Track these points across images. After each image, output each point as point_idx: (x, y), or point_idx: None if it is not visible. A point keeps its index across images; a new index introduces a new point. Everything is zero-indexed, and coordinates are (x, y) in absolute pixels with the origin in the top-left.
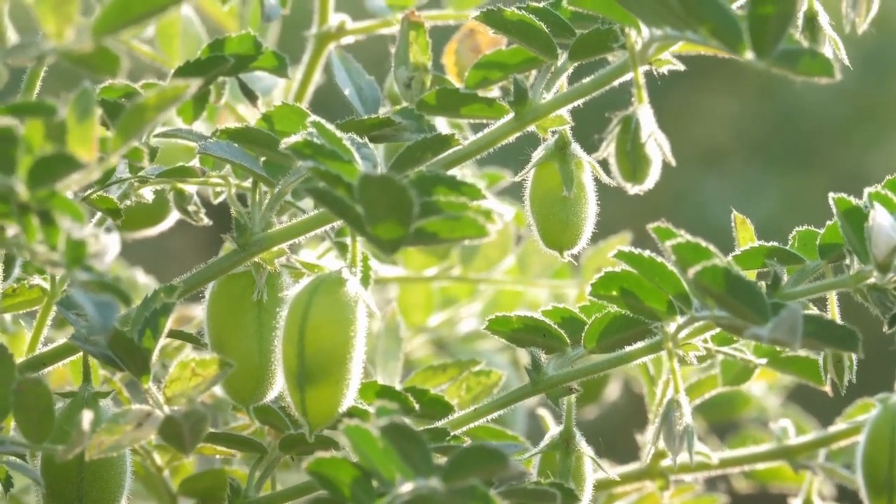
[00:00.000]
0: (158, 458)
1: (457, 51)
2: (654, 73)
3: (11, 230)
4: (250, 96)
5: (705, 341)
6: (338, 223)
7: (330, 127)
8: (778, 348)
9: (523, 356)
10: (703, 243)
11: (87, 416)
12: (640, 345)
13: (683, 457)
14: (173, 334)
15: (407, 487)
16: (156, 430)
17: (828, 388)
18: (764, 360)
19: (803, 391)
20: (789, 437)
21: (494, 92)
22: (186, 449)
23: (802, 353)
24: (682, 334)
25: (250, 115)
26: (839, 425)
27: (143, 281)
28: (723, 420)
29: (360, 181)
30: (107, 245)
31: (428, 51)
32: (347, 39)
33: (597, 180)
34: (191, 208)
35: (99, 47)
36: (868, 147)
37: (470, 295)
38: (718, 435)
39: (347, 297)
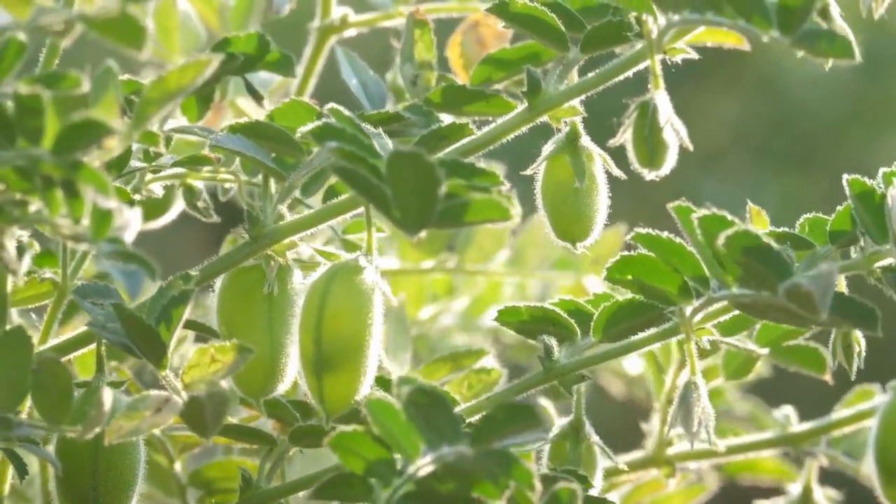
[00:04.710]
0: (171, 449)
1: (461, 43)
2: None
3: (33, 206)
4: (256, 96)
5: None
6: (345, 217)
7: (347, 112)
8: (785, 327)
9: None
10: (728, 215)
11: (107, 395)
12: (653, 330)
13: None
14: (187, 325)
15: (431, 456)
16: (176, 415)
17: (828, 377)
18: (766, 350)
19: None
20: (791, 424)
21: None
22: (208, 431)
23: (804, 342)
24: (698, 318)
25: (253, 111)
26: (841, 412)
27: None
28: None
29: (391, 157)
30: (130, 219)
31: (433, 48)
32: (350, 32)
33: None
34: (199, 204)
35: (124, 15)
36: (867, 146)
37: (451, 292)
38: None
39: (364, 285)
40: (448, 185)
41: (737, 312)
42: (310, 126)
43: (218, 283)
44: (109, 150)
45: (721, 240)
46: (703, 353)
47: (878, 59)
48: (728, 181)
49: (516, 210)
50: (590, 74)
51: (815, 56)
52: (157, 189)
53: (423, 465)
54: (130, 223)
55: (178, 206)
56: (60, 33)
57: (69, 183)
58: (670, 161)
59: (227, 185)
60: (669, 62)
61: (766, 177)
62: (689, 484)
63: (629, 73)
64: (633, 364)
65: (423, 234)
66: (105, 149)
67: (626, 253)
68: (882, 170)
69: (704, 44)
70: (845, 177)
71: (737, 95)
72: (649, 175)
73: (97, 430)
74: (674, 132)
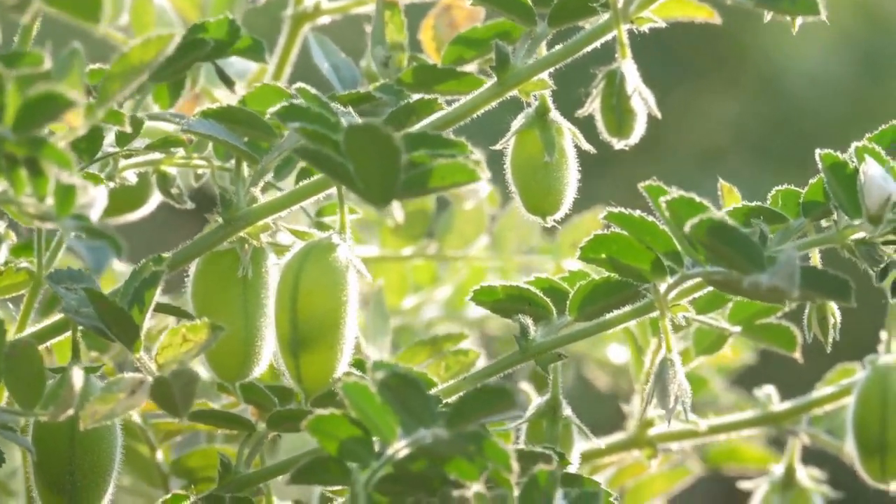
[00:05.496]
0: (153, 438)
1: (434, 26)
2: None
3: None
4: (227, 82)
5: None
6: (318, 198)
7: (314, 92)
8: (758, 305)
9: None
10: (697, 198)
11: (77, 376)
12: (627, 308)
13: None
14: (160, 308)
15: (408, 439)
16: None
17: (798, 356)
18: (738, 328)
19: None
20: (773, 403)
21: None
22: (179, 411)
23: (775, 320)
24: (672, 295)
25: (227, 99)
26: (822, 390)
27: (119, 269)
28: None
29: (347, 132)
30: (95, 196)
31: (403, 30)
32: (324, 20)
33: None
34: (173, 190)
35: None
36: None
37: (434, 281)
38: None
39: (338, 262)
40: (413, 155)
41: (710, 290)
42: (277, 106)
43: (192, 268)
44: (74, 129)
45: (688, 227)
46: (676, 329)
47: (878, 58)
48: (728, 180)
49: (485, 173)
50: (557, 47)
51: (781, 14)
52: (131, 176)
53: (401, 448)
54: (96, 201)
55: (157, 198)
56: (15, 7)
57: (32, 161)
58: (638, 130)
59: (199, 171)
60: (665, 57)
61: (766, 176)
62: (672, 467)
63: (601, 51)
64: (617, 353)
65: (399, 216)
66: (70, 127)
67: (599, 232)
68: (854, 144)
69: (676, 18)
70: (818, 151)
71: (737, 95)
72: (618, 144)
73: (69, 411)
74: (641, 101)
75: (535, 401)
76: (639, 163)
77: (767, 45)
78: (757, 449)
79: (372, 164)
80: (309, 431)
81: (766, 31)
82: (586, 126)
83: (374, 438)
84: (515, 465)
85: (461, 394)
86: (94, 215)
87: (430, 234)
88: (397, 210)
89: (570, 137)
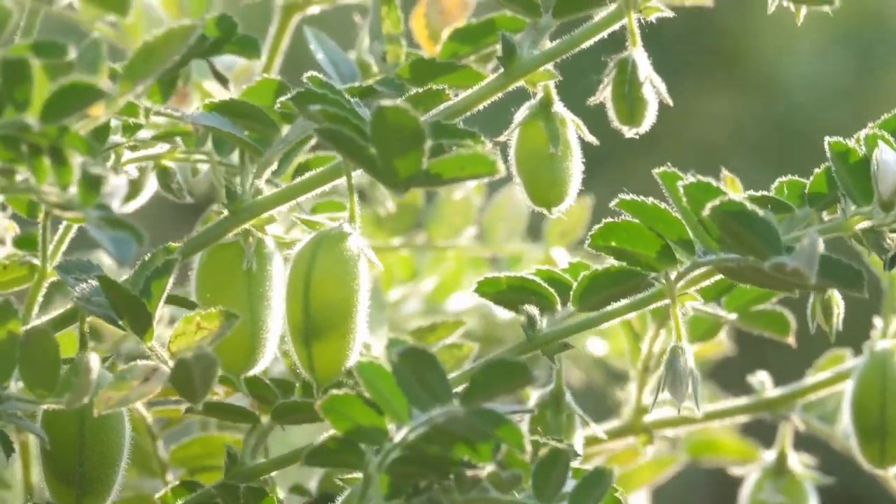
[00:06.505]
0: (153, 428)
1: (426, 14)
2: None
3: (20, 176)
4: (221, 79)
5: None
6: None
7: (327, 80)
8: (756, 292)
9: None
10: (714, 182)
11: (94, 361)
12: (635, 297)
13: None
14: (169, 299)
15: (423, 418)
16: (164, 383)
17: (792, 340)
18: (734, 316)
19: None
20: (767, 389)
21: None
22: (197, 396)
23: (769, 306)
24: (681, 284)
25: (218, 92)
26: (816, 376)
27: (108, 263)
28: None
29: (375, 111)
30: (116, 186)
31: (400, 25)
32: (313, 10)
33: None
34: (173, 185)
35: None
36: None
37: (414, 275)
38: None
39: (350, 251)
40: (434, 143)
41: (715, 280)
42: (292, 93)
43: (196, 261)
44: (95, 118)
45: (707, 210)
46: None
47: (876, 58)
48: None
49: (502, 165)
50: (565, 37)
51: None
52: (133, 171)
53: (416, 428)
54: (117, 190)
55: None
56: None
57: (56, 150)
58: (650, 118)
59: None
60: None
61: (766, 176)
62: (660, 456)
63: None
64: (597, 346)
65: (391, 206)
66: (91, 116)
67: (609, 220)
68: (864, 132)
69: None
70: (827, 139)
71: (736, 95)
72: (629, 132)
73: (86, 398)
74: (653, 88)
75: (538, 392)
76: (637, 162)
77: (767, 45)
78: (736, 440)
79: (397, 147)
80: (323, 412)
81: (765, 31)
82: (589, 120)
83: (390, 426)
84: (529, 446)
85: (478, 369)
86: (115, 206)
87: (418, 226)
88: (389, 201)
89: (573, 129)
